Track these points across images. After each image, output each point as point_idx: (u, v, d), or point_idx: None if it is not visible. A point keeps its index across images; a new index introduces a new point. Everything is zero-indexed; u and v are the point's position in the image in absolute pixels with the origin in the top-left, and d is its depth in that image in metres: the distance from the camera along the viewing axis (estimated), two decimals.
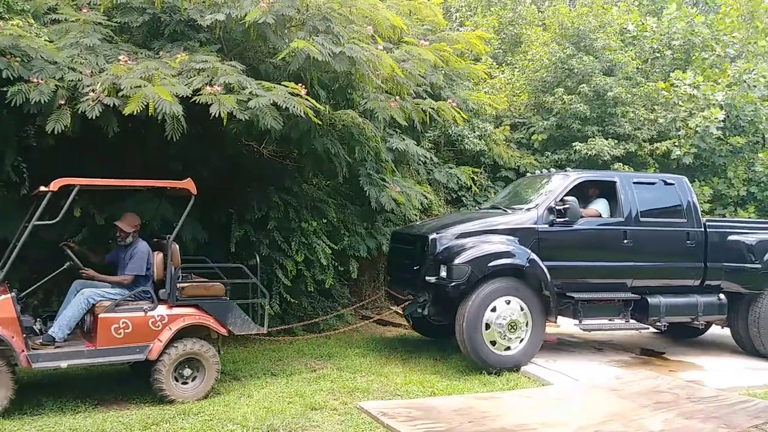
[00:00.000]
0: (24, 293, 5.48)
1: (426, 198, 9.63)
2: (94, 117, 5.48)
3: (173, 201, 7.19)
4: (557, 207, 6.93)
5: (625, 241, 7.19)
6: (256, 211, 7.86)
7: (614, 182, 7.47)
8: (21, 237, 5.25)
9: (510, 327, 6.57)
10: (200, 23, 6.52)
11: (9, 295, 5.04)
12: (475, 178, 11.51)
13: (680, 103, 12.71)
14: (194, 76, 5.96)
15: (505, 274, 6.64)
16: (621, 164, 12.11)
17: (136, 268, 5.68)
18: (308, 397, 5.68)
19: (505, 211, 7.37)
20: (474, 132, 12.17)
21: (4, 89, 5.44)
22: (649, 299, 7.21)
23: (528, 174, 9.12)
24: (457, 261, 6.51)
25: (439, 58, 8.25)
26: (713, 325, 8.48)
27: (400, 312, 8.16)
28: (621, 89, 12.51)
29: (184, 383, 5.57)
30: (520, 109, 13.96)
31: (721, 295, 7.55)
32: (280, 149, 7.94)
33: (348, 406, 5.50)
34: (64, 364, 5.17)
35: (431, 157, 10.37)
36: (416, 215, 9.70)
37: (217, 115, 5.64)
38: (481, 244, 6.68)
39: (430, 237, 6.82)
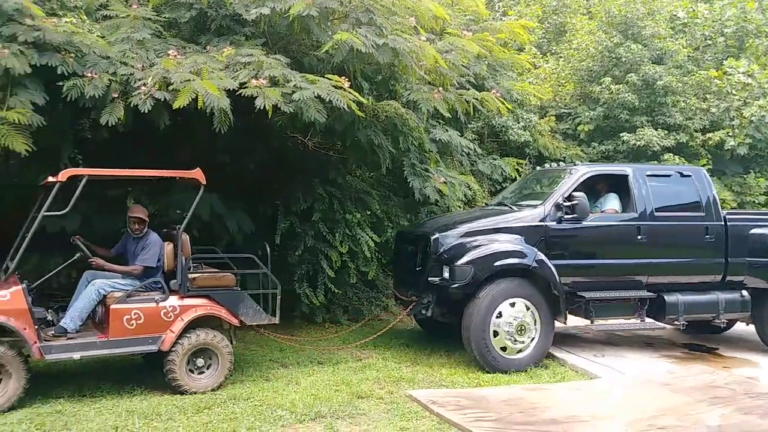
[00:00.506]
0: (35, 284, 5.46)
1: (470, 189, 9.57)
2: (146, 110, 5.61)
3: (220, 192, 7.35)
4: (565, 203, 6.66)
5: (639, 237, 6.85)
6: (302, 202, 7.95)
7: (626, 175, 7.14)
8: (30, 228, 5.22)
9: (518, 329, 6.33)
10: (245, 17, 6.60)
11: (20, 287, 5.03)
12: (520, 169, 11.39)
13: (734, 92, 12.28)
14: (240, 69, 6.05)
15: (512, 274, 6.40)
16: (671, 155, 11.79)
17: (147, 259, 5.65)
18: (354, 386, 5.72)
19: (511, 208, 7.10)
20: (518, 123, 12.02)
21: (60, 84, 5.62)
22: (666, 297, 6.90)
23: (537, 168, 8.83)
24: (459, 262, 6.29)
25: (483, 48, 8.16)
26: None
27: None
28: (671, 78, 12.16)
29: (198, 373, 5.55)
30: (565, 100, 13.72)
31: (744, 292, 7.16)
32: (324, 141, 8.00)
33: (394, 395, 5.52)
34: (76, 356, 5.16)
35: (475, 149, 10.29)
36: (460, 206, 9.65)
37: (262, 108, 5.72)
38: (485, 243, 6.44)
39: (432, 237, 6.61)
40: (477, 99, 7.81)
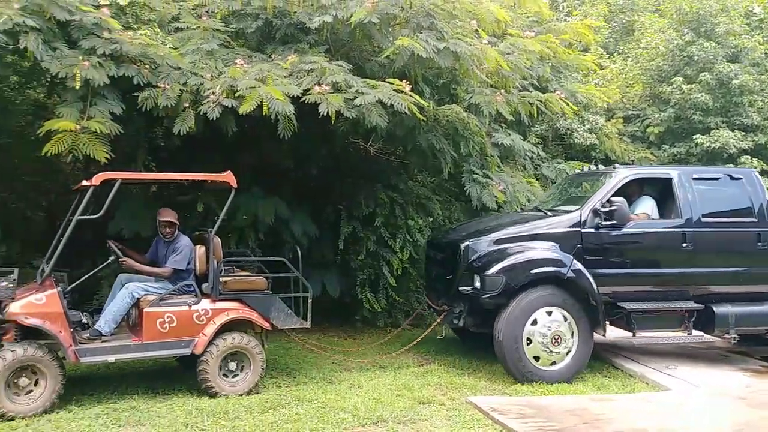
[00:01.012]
0: (70, 287, 5.48)
1: (533, 195, 9.39)
2: (214, 118, 5.81)
3: (284, 197, 7.51)
4: (603, 209, 6.31)
5: (685, 245, 6.43)
6: (364, 207, 8.01)
7: (670, 179, 6.72)
8: (65, 231, 5.26)
9: (554, 340, 6.04)
10: (309, 26, 6.75)
11: (56, 290, 5.03)
12: None
13: None
14: (304, 76, 6.18)
15: (546, 283, 6.11)
16: (749, 157, 11.22)
17: (177, 261, 5.64)
18: (416, 391, 5.70)
19: (546, 214, 6.78)
20: (584, 125, 11.73)
21: (135, 95, 5.89)
22: (715, 308, 6.45)
23: (575, 171, 8.45)
24: (490, 271, 6.04)
25: (546, 50, 8.02)
26: None
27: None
28: (748, 77, 11.59)
29: (231, 377, 5.52)
30: (633, 101, 13.30)
31: None
32: (385, 146, 8.06)
33: (456, 401, 5.46)
34: (111, 359, 5.20)
35: (538, 152, 10.11)
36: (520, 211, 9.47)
37: (325, 114, 5.81)
38: (517, 251, 6.18)
39: (463, 244, 6.36)
40: (540, 101, 7.69)
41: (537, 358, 6.07)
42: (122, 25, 6.06)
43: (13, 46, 5.44)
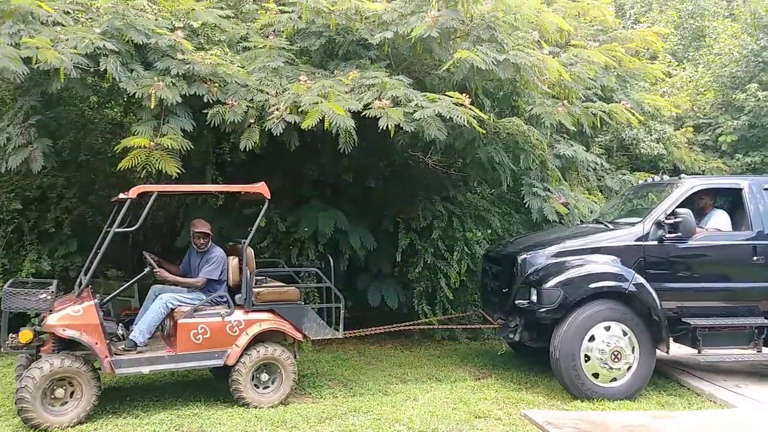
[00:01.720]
0: (107, 299, 5.56)
1: (595, 207, 9.19)
2: (278, 134, 6.01)
3: (343, 209, 7.66)
4: (667, 221, 6.10)
5: (756, 258, 6.17)
6: (421, 219, 8.05)
7: (740, 189, 6.45)
8: (102, 244, 5.37)
9: (613, 356, 5.87)
10: (370, 42, 6.88)
11: (92, 302, 5.08)
12: None
13: None
14: (365, 91, 6.30)
15: (606, 298, 5.96)
16: None
17: (210, 271, 5.68)
18: (472, 405, 5.68)
19: (607, 226, 6.62)
20: (651, 135, 11.38)
21: (205, 111, 6.16)
22: None
23: (639, 182, 8.14)
24: (547, 284, 5.95)
25: (611, 59, 7.86)
26: None
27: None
28: None
29: (263, 388, 5.54)
30: (704, 109, 12.80)
31: None
32: (444, 159, 8.08)
33: (513, 416, 5.41)
34: (146, 370, 5.21)
35: (602, 163, 9.89)
36: None
37: (385, 128, 5.91)
38: (576, 265, 6.04)
39: (520, 257, 6.29)
40: (604, 111, 7.53)
41: (596, 375, 5.92)
42: (194, 46, 6.36)
43: (94, 68, 5.81)
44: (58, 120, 6.64)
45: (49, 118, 6.40)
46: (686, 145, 11.86)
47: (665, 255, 6.16)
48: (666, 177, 7.49)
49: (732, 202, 6.63)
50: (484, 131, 6.89)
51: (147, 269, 5.61)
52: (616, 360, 5.91)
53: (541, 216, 8.01)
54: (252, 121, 6.23)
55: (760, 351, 6.23)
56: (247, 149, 6.18)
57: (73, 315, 4.99)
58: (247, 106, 6.20)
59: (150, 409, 5.36)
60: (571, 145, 8.91)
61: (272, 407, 5.44)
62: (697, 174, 11.06)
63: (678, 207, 6.18)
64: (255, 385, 5.51)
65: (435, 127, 6.12)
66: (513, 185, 8.14)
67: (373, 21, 7.02)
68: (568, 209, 8.21)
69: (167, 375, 6.34)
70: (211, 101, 6.14)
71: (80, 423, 4.91)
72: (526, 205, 8.11)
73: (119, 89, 5.99)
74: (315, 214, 7.55)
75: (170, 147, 5.75)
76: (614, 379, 5.95)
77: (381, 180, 8.39)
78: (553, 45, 7.61)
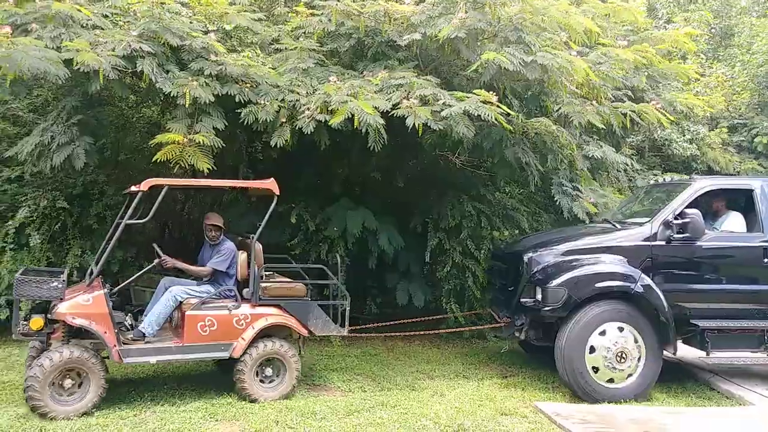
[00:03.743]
0: (117, 288, 5.63)
1: None
2: (308, 132, 6.13)
3: (372, 208, 7.76)
4: (676, 221, 6.04)
5: (766, 260, 6.10)
6: (450, 219, 8.10)
7: (752, 190, 6.38)
8: (114, 235, 5.46)
9: (618, 357, 5.84)
10: (399, 43, 6.97)
11: (102, 291, 5.15)
12: None
13: None
14: (393, 91, 6.39)
15: (612, 298, 5.93)
16: None
17: (218, 262, 5.75)
18: (499, 402, 5.73)
19: (615, 226, 6.59)
20: (684, 135, 11.22)
21: (238, 111, 6.32)
22: None
23: (651, 182, 7.99)
24: (552, 283, 5.93)
25: (640, 58, 7.80)
26: None
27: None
28: None
29: (268, 382, 5.57)
30: (740, 109, 12.55)
31: None
32: (472, 158, 8.10)
33: (539, 414, 5.43)
34: (153, 360, 5.28)
35: (632, 164, 9.79)
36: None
37: (413, 127, 5.99)
38: (581, 264, 6.02)
39: (526, 256, 6.30)
40: (634, 111, 7.48)
41: (601, 376, 5.87)
42: (227, 48, 6.54)
43: (132, 69, 6.02)
44: (98, 119, 6.87)
45: (90, 118, 6.64)
46: (720, 146, 11.66)
47: (673, 256, 6.12)
48: (675, 177, 7.38)
49: (744, 203, 6.53)
50: (512, 130, 6.91)
51: (156, 261, 5.71)
52: (622, 361, 5.87)
53: (572, 215, 7.99)
54: (283, 120, 6.37)
55: None
56: (278, 146, 6.32)
57: (83, 304, 5.07)
58: (278, 105, 6.34)
59: (186, 397, 5.54)
60: (601, 146, 8.85)
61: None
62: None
63: (687, 207, 6.12)
64: (260, 379, 5.55)
65: (463, 125, 6.17)
66: (541, 185, 8.14)
67: (402, 23, 7.10)
68: (597, 209, 8.16)
69: (203, 365, 6.51)
70: (243, 101, 6.29)
71: (86, 414, 4.97)
72: (557, 203, 8.09)
73: (156, 89, 6.18)
74: (344, 213, 7.67)
75: (203, 143, 5.91)
76: (620, 380, 5.90)
77: (410, 179, 8.46)
78: (582, 45, 7.58)
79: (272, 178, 5.80)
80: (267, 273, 6.01)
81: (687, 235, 6.03)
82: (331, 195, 8.04)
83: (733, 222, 6.48)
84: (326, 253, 7.69)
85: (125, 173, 8.08)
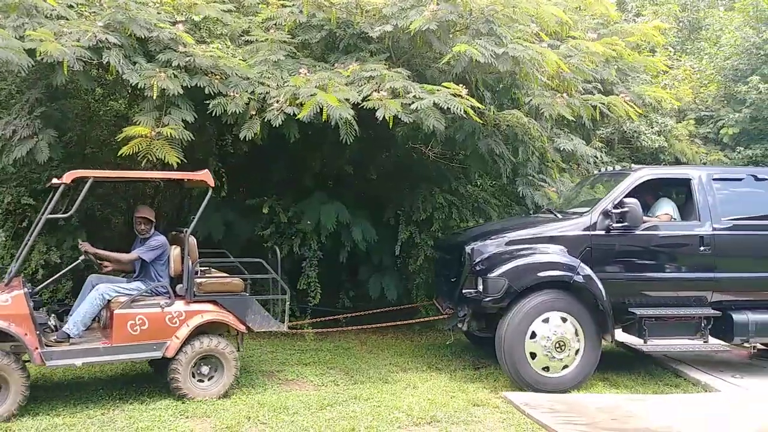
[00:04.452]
0: (39, 288, 5.40)
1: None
2: (277, 125, 6.08)
3: (345, 202, 7.73)
4: (615, 210, 6.08)
5: (702, 249, 6.18)
6: (422, 212, 8.10)
7: (689, 179, 6.46)
8: (34, 231, 5.27)
9: (557, 346, 5.86)
10: (371, 35, 6.93)
11: (22, 291, 4.87)
12: None
13: None
14: (364, 83, 6.36)
15: (552, 287, 5.95)
16: None
17: (144, 251, 5.52)
18: (471, 393, 5.77)
19: (556, 216, 6.62)
20: (652, 127, 11.41)
21: (207, 103, 6.23)
22: (734, 315, 6.15)
23: (594, 172, 8.11)
24: (493, 274, 5.93)
25: (611, 51, 7.89)
26: None
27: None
28: None
29: (203, 381, 5.40)
30: (706, 101, 12.80)
31: None
32: (445, 151, 8.13)
33: (510, 405, 5.50)
34: (78, 362, 4.98)
35: (601, 156, 9.92)
36: None
37: (383, 119, 5.97)
38: (521, 255, 6.03)
39: (468, 247, 6.24)
40: (603, 104, 7.56)
41: (540, 365, 5.92)
42: (196, 40, 6.42)
43: (98, 61, 5.90)
44: (63, 112, 6.72)
45: (54, 110, 6.49)
46: (688, 137, 11.89)
47: (612, 245, 6.16)
48: (617, 167, 7.48)
49: (682, 192, 6.65)
50: (483, 122, 6.94)
51: (81, 258, 5.50)
52: (561, 350, 5.91)
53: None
54: (253, 112, 6.30)
55: (707, 341, 6.23)
56: (248, 139, 6.26)
57: (1, 304, 4.78)
58: (248, 97, 6.27)
59: (155, 395, 5.45)
60: (571, 139, 8.96)
61: (276, 395, 5.49)
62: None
63: (626, 197, 6.15)
64: (198, 380, 5.39)
65: (433, 118, 6.18)
66: (513, 177, 8.20)
67: (374, 14, 7.07)
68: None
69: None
70: (212, 93, 6.21)
71: (7, 420, 4.73)
72: (521, 194, 8.17)
73: (123, 81, 6.07)
74: (317, 207, 7.62)
75: (171, 137, 5.81)
76: (559, 369, 5.94)
77: (383, 172, 8.46)
78: (553, 37, 7.64)
79: (206, 170, 5.63)
80: (203, 268, 5.78)
81: (626, 224, 6.07)
82: (304, 188, 7.99)
83: (661, 206, 6.55)
84: (299, 246, 7.65)
85: (92, 168, 7.89)
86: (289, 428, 4.79)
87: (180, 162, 5.85)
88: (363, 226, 7.86)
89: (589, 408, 5.26)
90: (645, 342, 6.18)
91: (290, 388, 5.85)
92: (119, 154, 5.80)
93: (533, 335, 5.89)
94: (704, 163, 11.36)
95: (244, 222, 7.72)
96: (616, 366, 6.79)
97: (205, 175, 5.53)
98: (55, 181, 5.26)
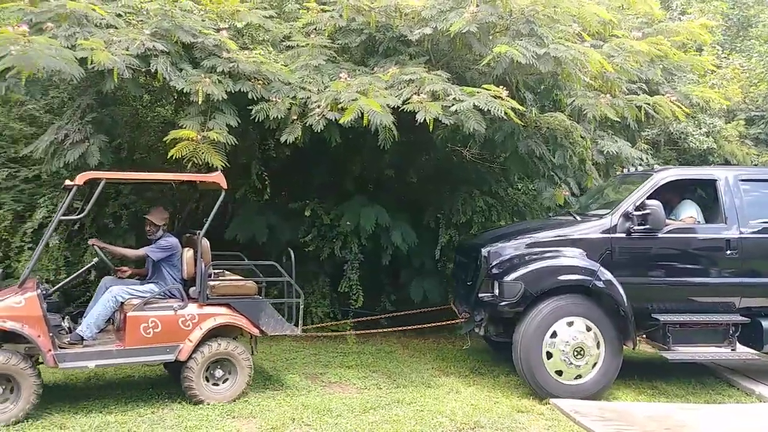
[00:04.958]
0: (53, 289, 5.41)
1: None
2: (319, 130, 6.13)
3: (385, 204, 7.74)
4: (636, 213, 5.89)
5: (729, 252, 5.94)
6: (461, 215, 8.04)
7: (714, 180, 6.23)
8: (48, 232, 5.33)
9: (576, 352, 5.70)
10: (410, 38, 6.94)
11: (35, 293, 4.85)
12: None
13: None
14: (404, 87, 6.36)
15: (571, 291, 5.78)
16: None
17: (153, 250, 5.53)
18: (515, 399, 5.70)
19: (576, 218, 6.44)
20: (700, 128, 11.06)
21: (250, 108, 6.32)
22: (763, 323, 5.88)
23: (617, 173, 7.80)
24: (509, 278, 5.79)
25: (656, 50, 7.71)
26: None
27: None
28: None
29: (217, 384, 5.37)
30: (757, 101, 12.35)
31: None
32: (484, 152, 8.05)
33: (555, 412, 5.39)
34: (91, 364, 5.00)
35: (647, 159, 9.67)
36: None
37: (423, 122, 5.96)
38: (539, 258, 5.89)
39: (484, 250, 6.12)
40: (649, 104, 7.39)
41: (559, 372, 5.75)
42: (239, 46, 6.54)
43: (145, 68, 6.05)
44: (113, 118, 6.91)
45: (105, 116, 6.68)
46: (738, 138, 11.48)
47: (633, 248, 5.98)
48: (640, 168, 7.25)
49: (707, 194, 6.42)
50: (524, 124, 6.85)
51: (95, 259, 5.53)
52: (580, 356, 5.74)
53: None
54: (295, 117, 6.37)
55: (735, 349, 5.97)
56: (288, 143, 6.32)
57: (14, 306, 4.76)
58: (290, 102, 6.34)
59: None
60: (616, 141, 8.77)
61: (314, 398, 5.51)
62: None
63: (648, 199, 5.96)
64: (213, 384, 5.38)
65: (473, 120, 6.14)
66: (550, 181, 8.09)
67: (413, 17, 7.07)
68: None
69: None
70: (255, 98, 6.30)
71: (19, 422, 4.72)
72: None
73: (170, 88, 6.20)
74: (357, 209, 7.65)
75: (216, 140, 5.91)
76: (578, 376, 5.77)
77: (422, 175, 8.43)
78: (596, 38, 7.51)
79: (219, 171, 5.61)
80: (216, 271, 5.76)
81: (648, 226, 5.88)
82: (345, 192, 8.03)
83: (685, 209, 6.34)
84: (340, 249, 7.69)
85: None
86: (332, 430, 4.81)
87: (224, 166, 5.94)
88: (403, 229, 7.84)
89: (639, 417, 5.12)
90: (669, 349, 5.93)
91: (333, 391, 5.87)
92: (168, 156, 5.92)
93: (551, 341, 5.74)
94: (755, 165, 10.95)
95: (286, 225, 7.80)
96: (665, 374, 6.60)
97: (218, 177, 5.52)
98: (67, 182, 5.31)
